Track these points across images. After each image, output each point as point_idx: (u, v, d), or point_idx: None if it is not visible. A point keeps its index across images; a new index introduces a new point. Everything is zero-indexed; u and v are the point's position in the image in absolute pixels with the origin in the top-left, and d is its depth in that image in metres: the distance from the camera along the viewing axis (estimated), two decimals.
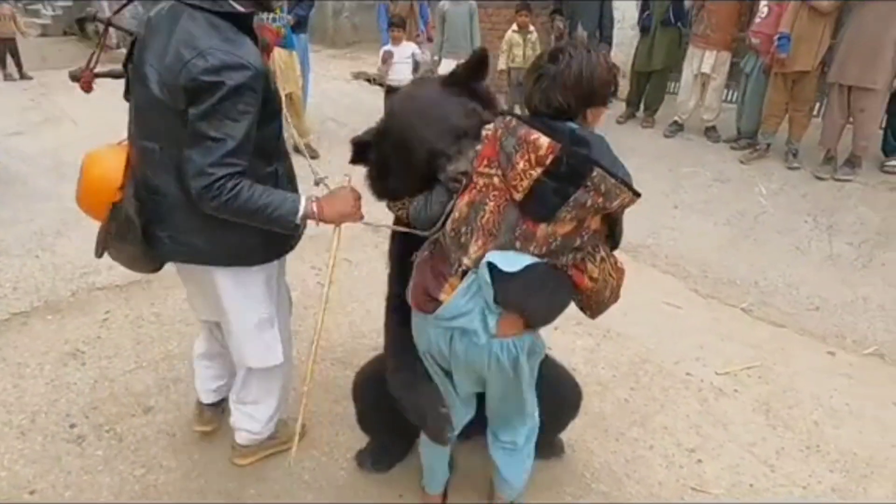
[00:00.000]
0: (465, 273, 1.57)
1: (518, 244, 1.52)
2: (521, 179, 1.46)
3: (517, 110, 5.61)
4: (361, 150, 1.84)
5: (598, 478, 2.28)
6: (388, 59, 5.40)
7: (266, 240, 1.78)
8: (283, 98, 2.15)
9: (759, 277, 3.74)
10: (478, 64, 1.74)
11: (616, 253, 1.71)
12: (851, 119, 4.49)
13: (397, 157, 1.71)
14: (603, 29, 5.09)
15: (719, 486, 2.28)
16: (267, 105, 1.65)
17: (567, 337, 3.01)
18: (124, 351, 2.89)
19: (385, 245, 4.12)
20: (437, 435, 1.82)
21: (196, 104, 1.52)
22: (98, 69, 1.94)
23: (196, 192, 1.55)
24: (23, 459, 2.26)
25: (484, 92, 1.77)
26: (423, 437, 1.98)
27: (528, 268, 1.49)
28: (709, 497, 2.23)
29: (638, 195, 1.47)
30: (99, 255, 1.92)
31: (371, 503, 2.16)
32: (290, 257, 2.06)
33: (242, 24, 1.64)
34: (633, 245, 4.07)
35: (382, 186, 1.81)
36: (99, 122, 6.32)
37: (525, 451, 1.94)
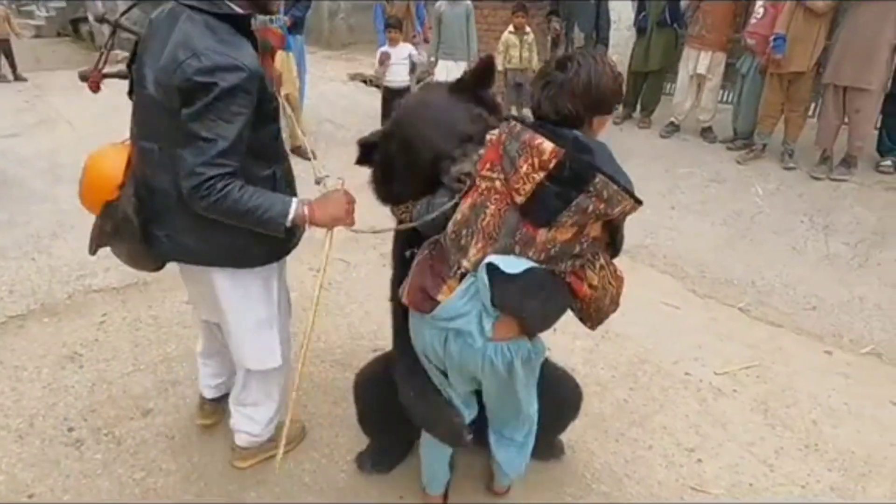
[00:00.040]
0: (463, 275, 1.58)
1: (517, 249, 1.52)
2: (524, 183, 1.47)
3: (514, 111, 5.63)
4: (367, 152, 1.86)
5: (598, 478, 2.29)
6: (385, 60, 5.40)
7: (264, 242, 1.77)
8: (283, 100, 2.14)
9: (756, 277, 3.76)
10: (485, 71, 1.78)
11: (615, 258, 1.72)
12: (847, 119, 4.52)
13: (402, 160, 1.72)
14: (599, 30, 5.10)
15: (719, 486, 2.28)
16: (263, 107, 1.65)
17: (566, 337, 3.01)
18: (122, 353, 2.88)
19: (383, 247, 4.15)
20: (455, 440, 1.84)
21: (189, 104, 1.53)
22: (106, 70, 1.95)
23: (187, 192, 1.56)
24: (21, 463, 2.24)
25: (490, 98, 1.80)
26: (424, 438, 1.99)
27: (527, 271, 1.50)
28: (709, 497, 2.23)
29: (639, 203, 1.47)
30: (92, 252, 1.93)
31: None
32: (289, 259, 2.06)
33: (241, 26, 1.64)
34: (631, 245, 4.04)
35: (387, 190, 1.83)
36: (94, 124, 6.32)
37: (525, 447, 1.95)
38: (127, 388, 2.65)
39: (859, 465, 2.40)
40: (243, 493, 2.17)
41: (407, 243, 1.83)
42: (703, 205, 4.58)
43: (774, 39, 4.52)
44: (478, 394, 1.88)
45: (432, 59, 5.89)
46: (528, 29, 5.76)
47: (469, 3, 5.69)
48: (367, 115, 6.76)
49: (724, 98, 5.89)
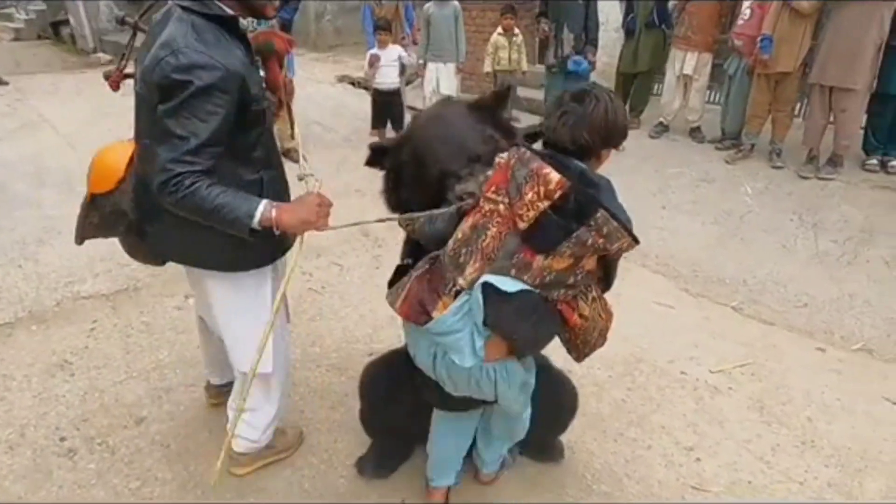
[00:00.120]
0: (458, 293, 1.60)
1: (513, 272, 1.55)
2: (528, 210, 1.51)
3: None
4: (378, 155, 1.88)
5: (598, 479, 2.29)
6: (374, 62, 5.37)
7: (253, 245, 1.75)
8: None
9: (748, 276, 3.79)
10: (505, 93, 1.87)
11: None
12: (833, 119, 4.58)
13: (411, 171, 1.75)
14: (588, 31, 5.12)
15: (718, 484, 2.29)
16: (246, 110, 1.64)
17: None
18: (114, 361, 2.84)
19: (376, 250, 4.12)
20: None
21: (165, 101, 1.53)
22: (128, 70, 1.97)
23: (156, 187, 1.55)
24: (12, 475, 2.20)
25: (506, 122, 1.86)
26: (438, 428, 2.00)
27: (521, 292, 1.54)
28: (709, 495, 2.24)
29: (637, 242, 1.52)
30: (79, 242, 1.96)
31: None
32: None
33: (230, 27, 1.64)
34: None
35: (395, 197, 1.85)
36: (78, 127, 6.24)
37: (505, 446, 2.09)
38: (119, 397, 2.61)
39: (855, 460, 2.42)
40: (242, 500, 2.14)
41: (415, 247, 1.85)
42: (694, 204, 4.61)
43: (761, 40, 4.57)
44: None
45: (420, 61, 5.88)
46: (516, 30, 5.76)
47: (457, 4, 5.68)
48: (355, 117, 6.74)
49: (712, 98, 5.95)
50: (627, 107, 5.99)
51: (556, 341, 1.75)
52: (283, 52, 2.12)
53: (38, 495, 2.12)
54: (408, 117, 5.84)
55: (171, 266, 3.65)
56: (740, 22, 4.90)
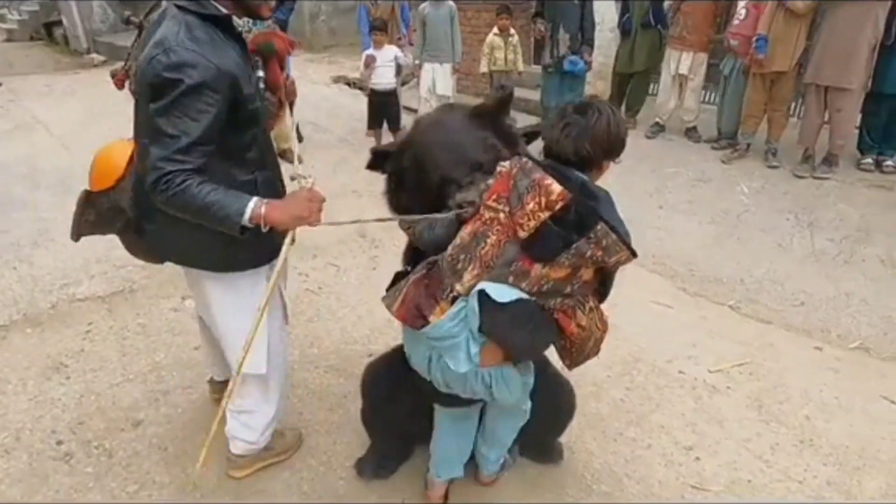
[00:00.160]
0: (455, 298, 1.61)
1: (511, 279, 1.57)
2: (529, 220, 1.52)
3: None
4: (379, 160, 1.90)
5: (598, 479, 2.28)
6: (370, 63, 5.36)
7: (248, 245, 1.75)
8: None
9: (745, 275, 3.80)
10: (506, 100, 1.86)
11: None
12: (828, 118, 4.60)
13: (412, 176, 1.77)
14: (584, 31, 5.12)
15: (718, 483, 2.29)
16: (239, 109, 1.63)
17: None
18: (110, 364, 2.82)
19: (374, 251, 4.11)
20: None
21: (157, 100, 1.53)
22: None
23: (148, 186, 1.55)
24: (8, 479, 2.18)
25: (508, 129, 1.86)
26: (442, 425, 2.01)
27: (517, 302, 1.55)
28: (709, 495, 2.24)
29: (635, 255, 1.53)
30: (75, 239, 1.96)
31: None
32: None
33: (224, 26, 1.63)
34: None
35: (397, 201, 1.87)
36: (72, 128, 6.21)
37: (505, 447, 2.09)
38: (116, 399, 2.59)
39: (854, 458, 2.42)
40: (240, 502, 2.13)
41: (414, 263, 1.85)
42: (691, 204, 4.62)
43: (757, 40, 4.59)
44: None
45: (416, 61, 5.87)
46: (512, 31, 5.76)
47: (452, 4, 5.68)
48: (351, 117, 6.73)
49: (708, 98, 5.96)
50: (624, 107, 6.01)
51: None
52: (284, 53, 2.12)
53: (34, 500, 2.11)
54: (404, 118, 5.84)
55: (167, 268, 3.63)
56: (736, 22, 4.92)
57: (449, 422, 2.00)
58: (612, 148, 1.61)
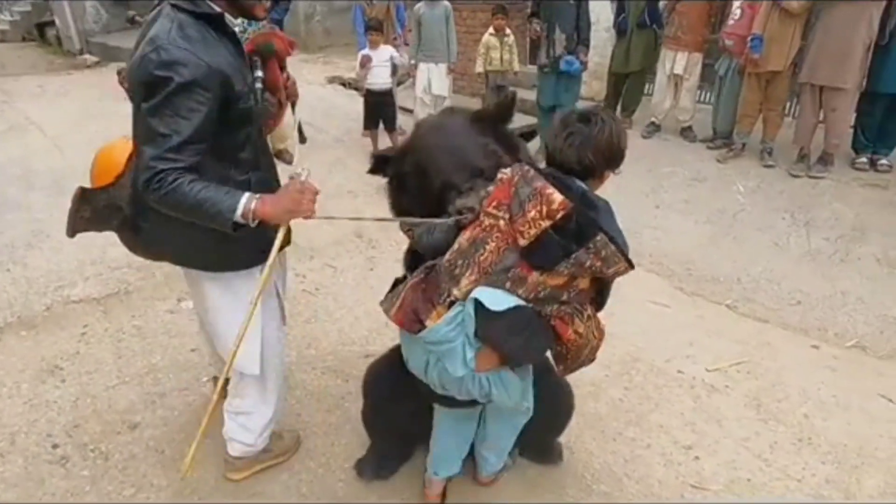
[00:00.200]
0: (452, 303, 1.62)
1: (508, 285, 1.58)
2: (530, 228, 1.52)
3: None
4: (381, 164, 1.90)
5: (598, 479, 2.28)
6: (366, 63, 5.34)
7: (242, 244, 1.76)
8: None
9: (742, 274, 3.80)
10: (508, 105, 1.85)
11: None
12: (823, 118, 4.61)
13: (413, 180, 1.78)
14: (580, 31, 5.11)
15: (717, 483, 2.29)
16: (232, 108, 1.62)
17: None
18: (105, 366, 2.80)
19: (371, 252, 4.09)
20: None
21: (148, 99, 1.53)
22: None
23: (140, 186, 1.55)
24: (3, 483, 2.16)
25: (510, 134, 1.86)
26: (441, 424, 2.01)
27: (512, 309, 1.56)
28: (709, 494, 2.24)
29: (632, 266, 1.54)
30: (71, 235, 1.94)
31: None
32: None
33: (217, 25, 1.63)
34: None
35: (398, 204, 1.88)
36: (65, 129, 6.17)
37: (506, 449, 2.09)
38: (112, 402, 2.57)
39: (852, 457, 2.43)
40: None
41: (414, 263, 1.86)
42: (687, 203, 4.63)
43: (751, 39, 4.60)
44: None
45: (412, 61, 5.85)
46: (508, 31, 5.75)
47: (447, 4, 5.66)
48: (347, 118, 6.71)
49: (703, 98, 5.97)
50: (619, 107, 6.02)
51: None
52: (284, 54, 2.11)
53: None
54: (400, 118, 5.82)
55: (163, 269, 3.62)
56: (731, 22, 4.92)
57: (448, 421, 2.00)
58: (614, 158, 1.63)
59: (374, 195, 4.87)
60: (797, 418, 2.63)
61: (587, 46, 5.18)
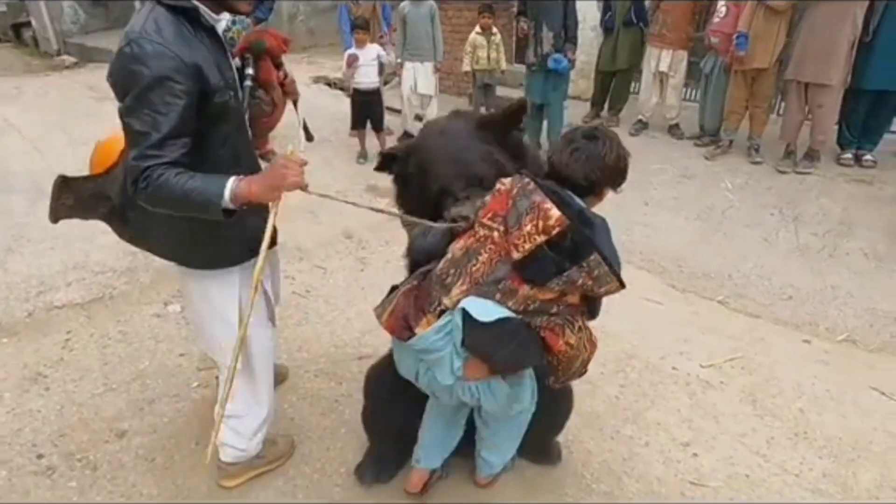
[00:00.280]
0: (442, 312, 1.63)
1: (498, 296, 1.58)
2: (525, 242, 1.54)
3: (482, 111, 5.62)
4: (387, 162, 1.91)
5: (598, 478, 2.26)
6: (352, 62, 5.28)
7: (220, 243, 1.77)
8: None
9: (733, 270, 3.82)
10: (517, 112, 1.84)
11: None
12: (809, 114, 4.65)
13: (416, 181, 1.80)
14: (567, 29, 5.10)
15: (716, 479, 2.28)
16: (208, 103, 1.59)
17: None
18: (91, 373, 2.72)
19: (361, 252, 4.04)
20: None
21: (123, 97, 1.51)
22: None
23: (129, 188, 1.52)
24: None
25: (516, 141, 1.86)
26: (431, 412, 2.01)
27: (500, 321, 1.56)
28: (708, 491, 2.23)
29: (623, 286, 1.54)
30: (53, 220, 1.92)
31: None
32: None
33: (192, 19, 1.60)
34: None
35: (402, 202, 1.90)
36: (44, 131, 6.03)
37: (507, 451, 2.07)
38: (99, 410, 2.50)
39: (847, 450, 2.44)
40: None
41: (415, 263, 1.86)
42: (676, 200, 4.64)
43: (737, 37, 4.63)
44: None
45: (398, 60, 5.81)
46: (494, 29, 5.73)
47: (433, 3, 5.63)
48: (333, 118, 6.63)
49: (689, 96, 6.00)
50: (606, 105, 6.03)
51: None
52: (278, 51, 2.07)
53: None
54: (387, 118, 5.78)
55: (148, 272, 3.54)
56: (716, 19, 4.94)
57: (439, 408, 2.00)
58: (618, 176, 1.66)
59: (362, 194, 4.84)
60: (792, 413, 2.64)
61: (575, 44, 5.19)
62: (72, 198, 1.84)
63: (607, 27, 5.60)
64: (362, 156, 5.63)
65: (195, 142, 1.58)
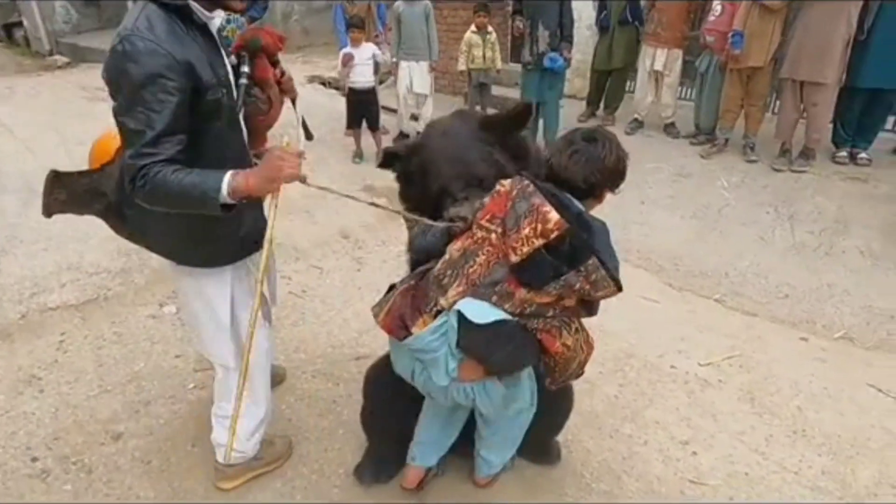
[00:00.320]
0: (438, 312, 1.62)
1: (494, 298, 1.57)
2: (523, 245, 1.53)
3: (477, 110, 5.61)
4: (391, 159, 1.91)
5: (597, 477, 2.25)
6: (348, 61, 5.26)
7: (214, 241, 1.77)
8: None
9: (729, 268, 3.82)
10: (522, 115, 1.84)
11: None
12: (804, 113, 4.66)
13: (418, 179, 1.80)
14: (563, 28, 5.10)
15: (716, 477, 2.28)
16: (201, 100, 1.58)
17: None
18: (86, 375, 2.70)
19: (357, 252, 4.02)
20: None
21: (116, 95, 1.51)
22: None
23: (127, 188, 1.52)
24: None
25: (519, 144, 1.85)
26: (428, 410, 2.00)
27: (496, 322, 1.55)
28: (707, 489, 2.23)
29: (621, 289, 1.54)
30: (46, 215, 1.91)
31: None
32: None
33: (184, 16, 1.59)
34: None
35: (406, 198, 1.90)
36: (36, 131, 5.99)
37: (509, 440, 2.05)
38: (94, 412, 2.48)
39: (846, 447, 2.44)
40: None
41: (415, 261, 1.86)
42: (672, 199, 4.64)
43: (732, 35, 4.63)
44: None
45: (393, 59, 5.79)
46: (490, 28, 5.72)
47: (427, 2, 5.61)
48: (329, 117, 6.61)
49: (684, 95, 6.01)
50: (602, 104, 6.03)
51: None
52: (274, 49, 2.05)
53: None
54: (383, 117, 5.76)
55: (143, 273, 3.52)
56: (711, 18, 4.95)
57: (436, 408, 1.99)
58: (618, 178, 1.66)
59: (359, 194, 4.82)
60: (791, 411, 2.64)
61: (571, 43, 5.18)
62: (64, 193, 1.83)
63: (603, 26, 5.61)
64: (358, 155, 5.61)
65: (188, 139, 1.57)
